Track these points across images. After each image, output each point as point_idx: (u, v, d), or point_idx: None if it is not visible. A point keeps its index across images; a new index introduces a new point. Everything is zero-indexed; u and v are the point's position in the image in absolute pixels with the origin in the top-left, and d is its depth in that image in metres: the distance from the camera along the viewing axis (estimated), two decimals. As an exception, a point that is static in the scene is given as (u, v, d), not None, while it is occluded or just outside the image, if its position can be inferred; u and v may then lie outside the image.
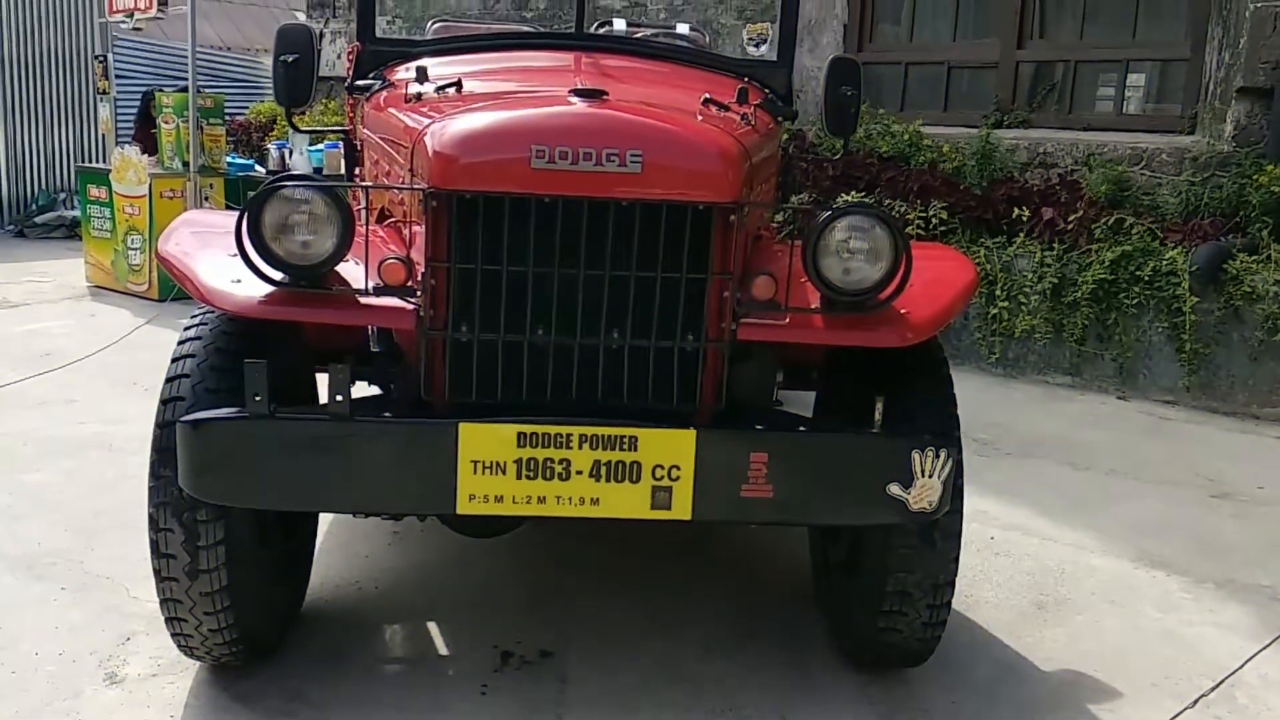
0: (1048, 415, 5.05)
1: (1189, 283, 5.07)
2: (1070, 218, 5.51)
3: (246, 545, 2.29)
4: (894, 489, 2.09)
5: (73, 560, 3.09)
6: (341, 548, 3.21)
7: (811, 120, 6.34)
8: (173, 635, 2.38)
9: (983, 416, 4.69)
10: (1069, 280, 5.43)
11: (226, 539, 2.21)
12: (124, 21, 7.63)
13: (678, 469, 2.05)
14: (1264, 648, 2.88)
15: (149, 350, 5.40)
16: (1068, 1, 6.54)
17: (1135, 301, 5.26)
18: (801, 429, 2.23)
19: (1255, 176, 5.19)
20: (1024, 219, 5.64)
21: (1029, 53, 6.57)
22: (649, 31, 4.61)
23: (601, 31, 4.07)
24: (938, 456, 2.09)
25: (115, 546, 3.15)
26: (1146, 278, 5.22)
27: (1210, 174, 5.52)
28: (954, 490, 2.22)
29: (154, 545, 2.23)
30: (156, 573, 2.25)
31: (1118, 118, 6.31)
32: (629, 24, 4.74)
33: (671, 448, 2.05)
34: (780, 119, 3.16)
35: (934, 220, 5.80)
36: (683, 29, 5.07)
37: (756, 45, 7.18)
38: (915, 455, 2.09)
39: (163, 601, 2.30)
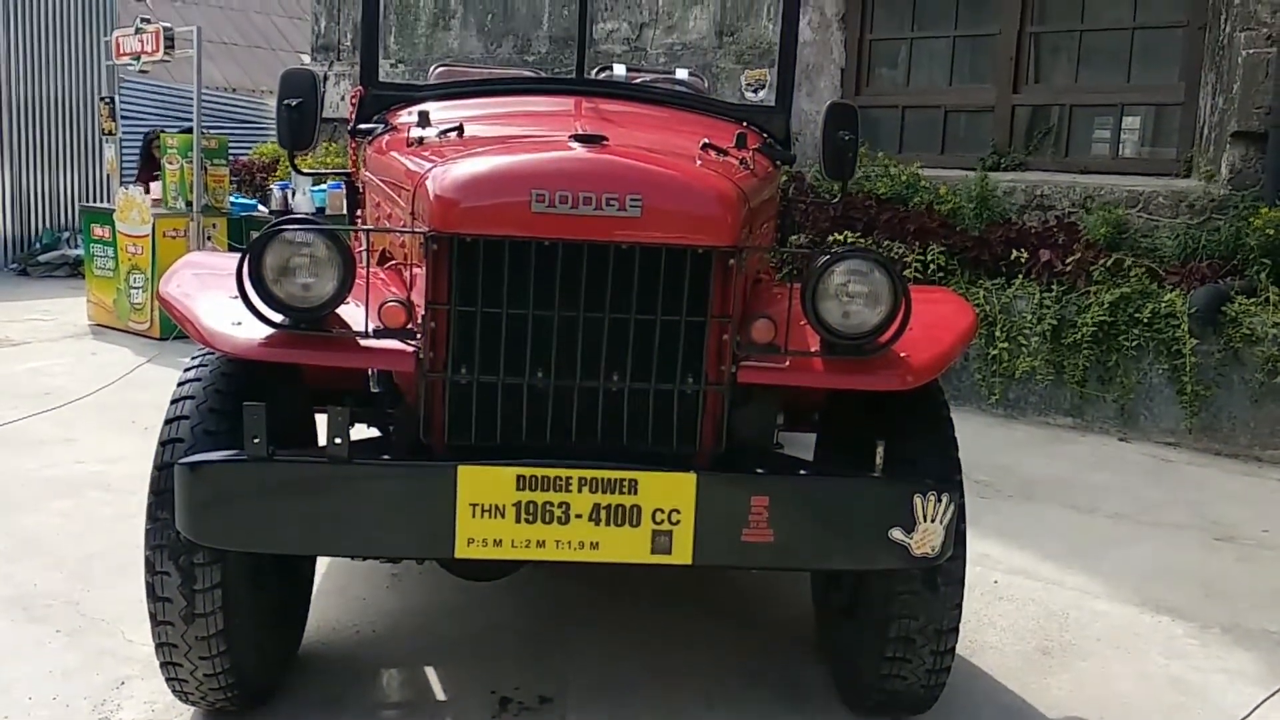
0: (1049, 457, 5.04)
1: (1188, 325, 5.07)
2: (1068, 260, 5.54)
3: (243, 589, 2.27)
4: (896, 534, 2.08)
5: (68, 602, 3.06)
6: (339, 590, 3.18)
7: (810, 162, 6.39)
8: (168, 680, 2.35)
9: (984, 458, 4.68)
10: (1068, 322, 5.44)
11: (223, 582, 2.19)
12: (131, 64, 7.72)
13: (678, 513, 2.04)
14: (1271, 694, 2.84)
15: (149, 389, 5.39)
16: (1062, 47, 6.62)
17: (1135, 343, 5.26)
18: (802, 472, 2.22)
19: (1251, 219, 5.22)
20: (1022, 260, 5.66)
21: (1025, 97, 6.64)
22: (649, 77, 4.66)
23: (602, 77, 4.11)
24: (940, 501, 2.08)
25: (111, 588, 3.12)
26: (1146, 320, 5.23)
27: (1207, 217, 5.56)
28: (956, 535, 2.21)
29: (150, 588, 2.21)
30: (152, 616, 2.23)
31: (1114, 161, 6.36)
32: (629, 69, 4.79)
33: (672, 491, 2.04)
34: (779, 163, 3.19)
35: (930, 262, 5.82)
36: (682, 74, 5.11)
37: (755, 91, 7.24)
38: (917, 500, 2.08)
39: (158, 645, 2.28)
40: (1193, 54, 5.96)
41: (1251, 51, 5.43)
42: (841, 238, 6.13)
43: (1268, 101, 5.37)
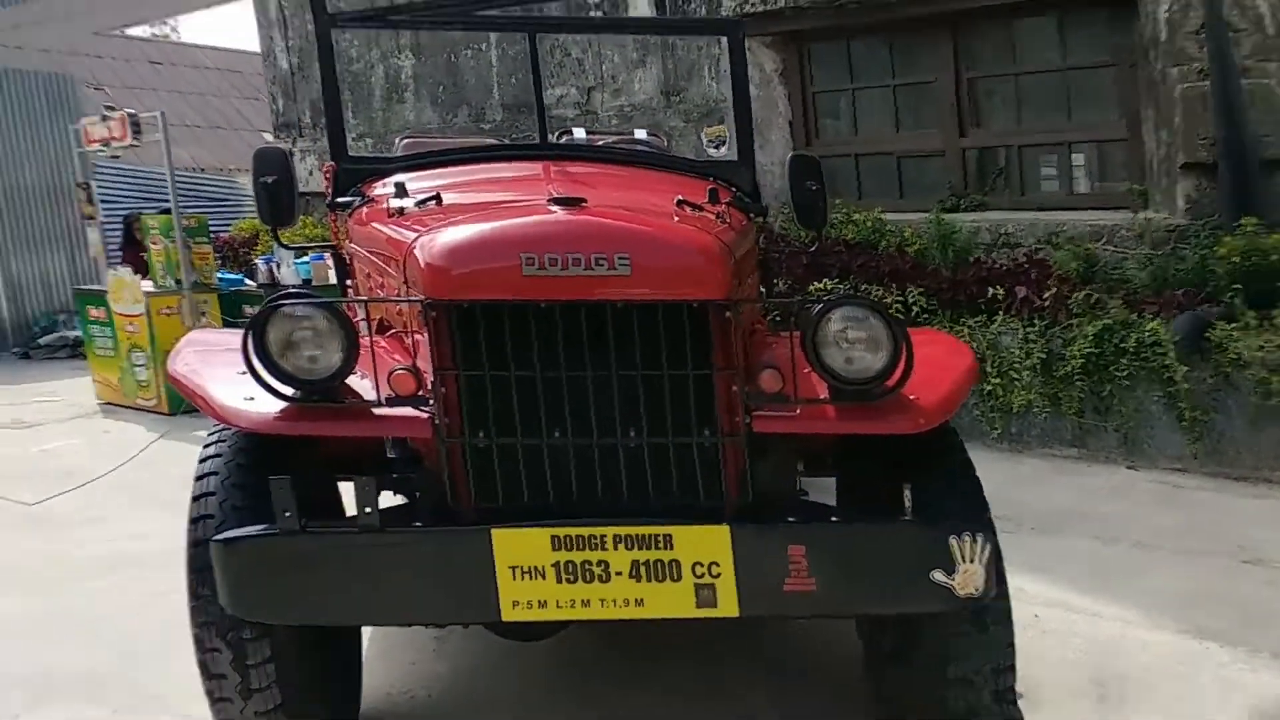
0: (1060, 489, 4.95)
1: (1175, 353, 5.10)
2: (1045, 294, 5.55)
3: (295, 660, 2.25)
4: (938, 576, 2.07)
5: (123, 681, 3.00)
6: (383, 655, 3.13)
7: (773, 213, 6.41)
8: (232, 756, 2.29)
9: (997, 493, 4.49)
10: (1056, 355, 5.45)
11: (274, 655, 2.18)
12: (102, 150, 7.76)
13: (717, 565, 2.03)
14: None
15: (167, 465, 5.33)
16: (998, 90, 6.59)
17: (1126, 373, 5.24)
18: (834, 519, 2.21)
19: (1216, 248, 5.24)
20: (999, 298, 5.67)
21: (972, 140, 6.60)
22: (611, 138, 4.71)
23: (564, 140, 4.16)
24: (975, 541, 2.08)
25: (163, 664, 3.05)
26: (1132, 349, 5.21)
27: (1172, 247, 5.58)
28: (997, 573, 2.19)
29: (203, 666, 2.20)
30: (209, 694, 2.21)
31: (1069, 197, 6.34)
32: (588, 132, 4.84)
33: (708, 544, 2.04)
34: (752, 215, 3.22)
35: (912, 304, 5.84)
36: (641, 134, 5.19)
37: (716, 146, 7.31)
38: (953, 542, 2.07)
39: None
40: (1128, 91, 5.96)
41: (1186, 85, 5.45)
42: (822, 285, 6.16)
43: (1211, 133, 5.37)
